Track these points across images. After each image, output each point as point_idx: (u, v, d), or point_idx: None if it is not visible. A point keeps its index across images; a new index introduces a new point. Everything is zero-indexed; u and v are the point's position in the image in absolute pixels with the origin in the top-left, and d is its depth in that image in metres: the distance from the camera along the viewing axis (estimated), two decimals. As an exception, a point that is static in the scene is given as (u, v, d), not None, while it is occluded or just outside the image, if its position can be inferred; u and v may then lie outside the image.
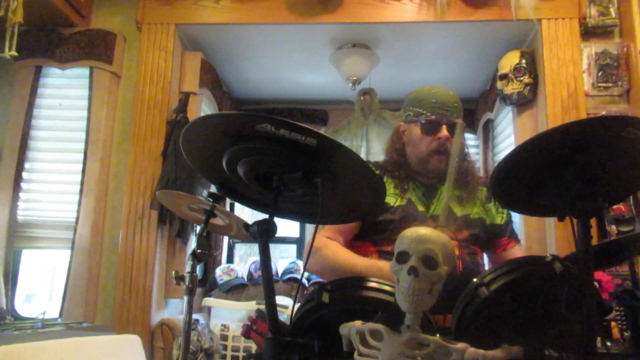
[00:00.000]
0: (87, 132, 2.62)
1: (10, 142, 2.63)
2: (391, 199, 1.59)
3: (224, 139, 0.94)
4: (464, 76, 3.27)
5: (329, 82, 3.39)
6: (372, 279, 1.04)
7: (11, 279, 2.55)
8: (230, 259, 3.77)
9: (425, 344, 0.84)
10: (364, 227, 1.58)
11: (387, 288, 0.99)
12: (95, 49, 2.68)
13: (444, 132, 1.58)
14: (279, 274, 3.26)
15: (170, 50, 2.68)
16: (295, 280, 3.16)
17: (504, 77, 2.64)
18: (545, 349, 0.95)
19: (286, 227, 3.84)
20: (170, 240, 2.64)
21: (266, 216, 0.98)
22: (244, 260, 3.89)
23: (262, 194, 1.03)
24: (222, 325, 2.82)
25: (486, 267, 1.69)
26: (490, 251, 1.67)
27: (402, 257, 0.88)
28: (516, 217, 1.78)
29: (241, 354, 2.75)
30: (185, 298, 1.53)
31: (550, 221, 2.40)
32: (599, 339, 0.88)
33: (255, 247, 2.85)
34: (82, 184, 2.57)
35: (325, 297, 0.99)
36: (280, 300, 2.79)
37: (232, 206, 3.55)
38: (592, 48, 2.52)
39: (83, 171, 2.59)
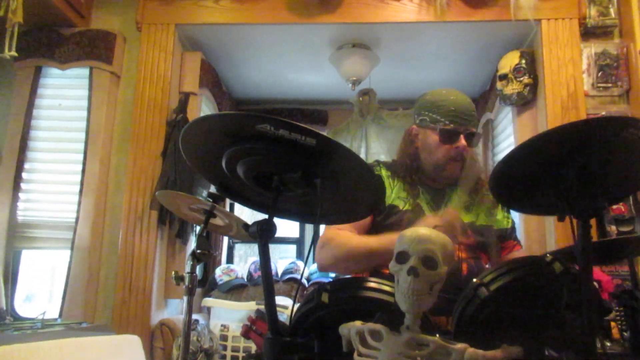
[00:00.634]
0: (87, 132, 2.62)
1: (10, 142, 2.63)
2: (400, 202, 1.58)
3: (223, 139, 0.94)
4: (464, 76, 3.27)
5: (329, 82, 3.39)
6: (372, 279, 1.04)
7: (11, 279, 2.55)
8: (230, 259, 3.77)
9: (425, 344, 0.83)
10: (371, 229, 1.58)
11: (387, 288, 0.99)
12: (95, 49, 2.68)
13: (462, 141, 1.57)
14: (279, 274, 3.26)
15: (170, 50, 2.68)
16: (295, 280, 3.16)
17: (504, 77, 2.64)
18: (545, 349, 0.95)
19: (286, 227, 3.84)
20: (170, 240, 2.64)
21: (266, 216, 0.98)
22: (243, 260, 3.89)
23: (261, 194, 1.03)
24: (221, 325, 2.82)
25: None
26: (496, 255, 1.66)
27: (402, 257, 0.88)
28: (516, 217, 1.78)
29: (241, 354, 2.75)
30: (185, 298, 1.53)
31: (550, 221, 2.40)
32: (599, 339, 0.88)
33: (255, 247, 2.85)
34: (82, 184, 2.57)
35: (325, 298, 0.99)
36: (280, 300, 2.79)
37: (232, 206, 3.55)
38: (592, 48, 2.52)
39: (83, 171, 2.59)
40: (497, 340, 0.84)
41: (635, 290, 1.22)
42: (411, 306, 0.85)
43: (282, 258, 3.70)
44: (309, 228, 3.82)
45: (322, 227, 1.69)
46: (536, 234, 2.47)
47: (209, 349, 2.40)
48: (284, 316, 1.09)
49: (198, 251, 1.53)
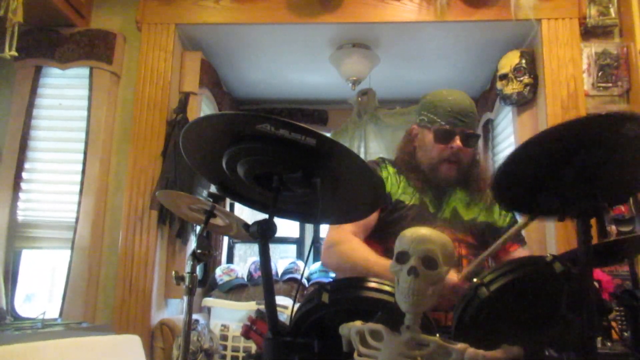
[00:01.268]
0: (87, 132, 2.63)
1: (10, 142, 2.64)
2: (406, 197, 1.59)
3: (223, 139, 0.94)
4: (464, 76, 3.27)
5: (329, 82, 3.39)
6: (372, 279, 1.04)
7: (11, 279, 2.55)
8: (230, 259, 3.77)
9: (425, 344, 0.83)
10: (378, 223, 1.58)
11: (387, 288, 0.99)
12: (95, 49, 2.68)
13: (457, 142, 1.57)
14: (279, 274, 3.26)
15: (170, 50, 2.68)
16: (295, 280, 3.16)
17: (504, 77, 2.64)
18: (545, 349, 0.95)
19: (286, 227, 3.84)
20: (170, 240, 2.64)
21: (266, 216, 0.98)
22: (243, 260, 3.89)
23: (261, 194, 1.03)
24: (222, 325, 2.82)
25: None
26: (496, 253, 1.67)
27: (402, 257, 0.88)
28: (516, 218, 1.78)
29: (241, 354, 2.75)
30: (185, 298, 1.53)
31: (551, 221, 2.40)
32: (599, 339, 0.88)
33: (255, 247, 2.86)
34: (82, 184, 2.57)
35: (325, 298, 0.98)
36: (280, 300, 2.79)
37: (232, 206, 3.55)
38: (592, 48, 2.52)
39: (83, 171, 2.59)
40: (497, 340, 0.84)
41: (635, 290, 1.22)
42: (411, 306, 0.85)
43: (282, 258, 3.70)
44: (309, 228, 3.82)
45: (323, 226, 1.69)
46: (536, 234, 2.47)
47: (209, 349, 2.40)
48: (284, 316, 1.08)
49: (198, 251, 1.53)
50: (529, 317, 0.96)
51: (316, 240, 3.67)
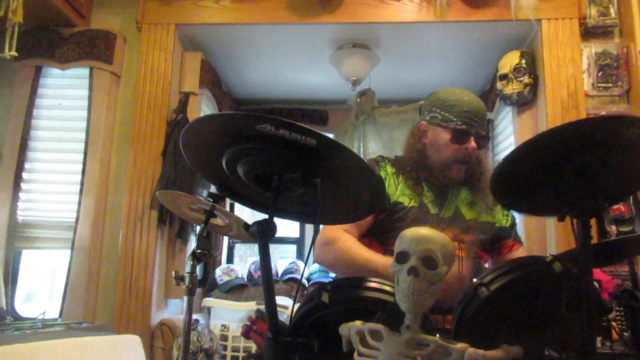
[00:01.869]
0: (87, 132, 2.62)
1: (10, 142, 2.63)
2: (405, 199, 1.58)
3: (223, 139, 0.94)
4: (464, 76, 3.27)
5: (329, 82, 3.39)
6: (372, 279, 1.04)
7: (11, 279, 2.54)
8: (230, 259, 3.77)
9: (425, 344, 0.84)
10: (375, 224, 1.57)
11: (387, 288, 0.99)
12: (95, 49, 2.68)
13: (472, 143, 1.56)
14: (279, 274, 3.26)
15: (170, 50, 2.68)
16: (295, 280, 3.16)
17: (504, 77, 2.64)
18: (545, 349, 0.95)
19: (286, 227, 3.84)
20: (170, 240, 2.64)
21: (266, 216, 0.98)
22: (243, 260, 3.89)
23: (261, 194, 1.03)
24: (222, 325, 2.82)
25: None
26: (495, 253, 1.67)
27: (402, 257, 0.88)
28: (516, 217, 1.79)
29: (241, 354, 2.75)
30: (185, 298, 1.53)
31: (550, 221, 2.40)
32: (599, 339, 0.88)
33: (255, 247, 2.85)
34: (82, 184, 2.57)
35: (325, 297, 0.98)
36: (280, 300, 2.79)
37: (232, 206, 3.55)
38: (592, 48, 2.52)
39: (83, 171, 2.59)
40: (497, 340, 0.84)
41: (635, 290, 1.22)
42: (411, 306, 0.85)
43: (282, 258, 3.70)
44: (309, 228, 3.82)
45: (322, 226, 1.69)
46: (536, 234, 2.48)
47: (209, 349, 2.40)
48: (284, 316, 1.09)
49: (198, 251, 1.53)
50: (529, 317, 0.96)
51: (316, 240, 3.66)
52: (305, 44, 2.96)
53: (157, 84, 2.65)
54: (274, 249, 3.91)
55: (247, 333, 1.71)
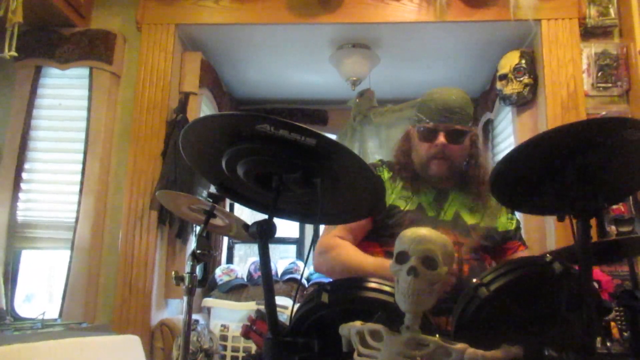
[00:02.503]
0: (87, 132, 2.62)
1: (10, 142, 2.63)
2: (401, 203, 1.58)
3: (223, 140, 0.94)
4: (464, 76, 3.27)
5: (329, 82, 3.39)
6: (372, 279, 1.04)
7: (11, 280, 2.54)
8: (230, 260, 3.77)
9: (425, 344, 0.84)
10: (373, 227, 1.58)
11: (387, 288, 0.99)
12: (95, 49, 2.67)
13: (441, 139, 1.56)
14: (279, 275, 3.26)
15: (170, 50, 2.68)
16: (295, 280, 3.16)
17: (504, 77, 2.64)
18: (545, 349, 0.95)
19: (286, 227, 3.84)
20: (170, 240, 2.64)
21: (266, 216, 0.98)
22: (243, 260, 3.89)
23: (261, 194, 1.03)
24: (221, 325, 2.82)
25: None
26: (500, 256, 1.66)
27: (402, 258, 0.88)
28: (518, 216, 1.78)
29: (241, 354, 2.75)
30: (185, 298, 1.53)
31: (550, 221, 2.40)
32: (599, 339, 0.88)
33: (255, 248, 2.85)
34: (82, 184, 2.57)
35: (325, 298, 0.99)
36: (280, 300, 2.79)
37: (231, 206, 3.55)
38: (592, 48, 2.52)
39: (83, 171, 2.59)
40: (497, 340, 0.84)
41: (635, 290, 1.22)
42: (411, 306, 0.85)
43: (282, 258, 3.70)
44: (309, 228, 3.82)
45: (322, 227, 1.69)
46: (536, 234, 2.47)
47: (209, 349, 2.40)
48: (284, 316, 1.09)
49: (198, 251, 1.54)
50: (529, 317, 0.96)
51: (316, 240, 3.66)
52: (305, 44, 2.96)
53: (157, 84, 2.65)
54: (274, 249, 3.91)
55: (247, 333, 1.71)
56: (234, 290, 3.06)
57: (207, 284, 3.23)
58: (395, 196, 1.59)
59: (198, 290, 3.09)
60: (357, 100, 3.29)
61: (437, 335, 0.85)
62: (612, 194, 1.02)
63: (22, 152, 2.63)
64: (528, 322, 0.96)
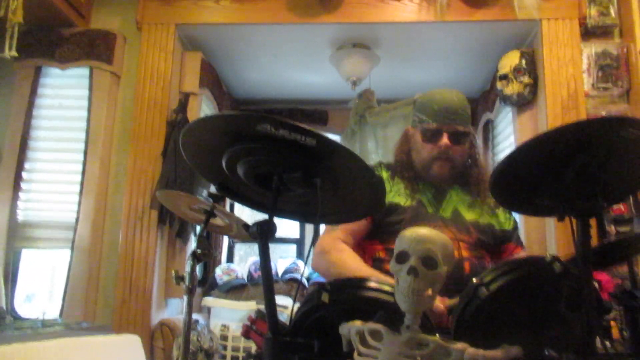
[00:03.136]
0: (87, 132, 2.62)
1: (10, 142, 2.63)
2: (401, 199, 1.59)
3: (223, 139, 0.94)
4: (464, 76, 3.27)
5: (329, 82, 3.39)
6: (372, 278, 1.04)
7: (11, 279, 2.54)
8: (230, 259, 3.77)
9: (425, 344, 0.84)
10: (373, 226, 1.58)
11: (387, 288, 0.99)
12: (95, 49, 2.67)
13: (445, 140, 1.57)
14: (279, 274, 3.26)
15: (170, 50, 2.68)
16: (295, 280, 3.16)
17: (504, 77, 2.64)
18: (545, 349, 0.95)
19: (286, 227, 3.84)
20: (170, 240, 2.64)
21: (266, 216, 0.98)
22: (244, 260, 3.89)
23: (261, 194, 1.03)
24: (222, 325, 2.82)
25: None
26: (497, 256, 1.67)
27: (402, 257, 0.88)
28: (516, 217, 1.78)
29: (241, 354, 2.75)
30: (185, 298, 1.53)
31: (550, 221, 2.40)
32: (598, 339, 0.88)
33: (255, 247, 2.85)
34: (82, 184, 2.57)
35: (325, 297, 0.99)
36: (280, 300, 2.79)
37: (232, 206, 3.55)
38: (592, 48, 2.52)
39: (83, 171, 2.59)
40: (497, 340, 0.84)
41: (635, 290, 1.22)
42: (411, 306, 0.85)
43: (282, 258, 3.70)
44: (309, 228, 3.82)
45: (323, 226, 1.70)
46: (536, 234, 2.47)
47: (209, 349, 2.40)
48: (284, 316, 1.09)
49: (198, 251, 1.53)
50: (529, 317, 0.96)
51: (316, 240, 3.66)
52: (305, 44, 2.96)
53: (157, 84, 2.65)
54: (274, 249, 3.91)
55: (247, 333, 1.71)
56: (234, 290, 3.06)
57: (207, 284, 3.23)
58: (394, 193, 1.60)
59: (198, 290, 3.09)
60: (356, 101, 3.29)
61: (437, 335, 0.85)
62: (612, 194, 1.02)
63: (22, 152, 2.63)
64: (528, 322, 0.96)
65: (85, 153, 2.60)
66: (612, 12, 2.53)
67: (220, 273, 3.17)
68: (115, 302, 2.46)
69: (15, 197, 2.60)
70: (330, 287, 1.01)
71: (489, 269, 1.01)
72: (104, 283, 2.53)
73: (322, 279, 3.09)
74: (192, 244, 2.69)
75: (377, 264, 1.52)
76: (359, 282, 1.04)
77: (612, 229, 2.29)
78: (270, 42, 2.93)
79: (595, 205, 0.88)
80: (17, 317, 2.44)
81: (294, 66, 3.26)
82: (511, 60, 2.64)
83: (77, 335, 1.82)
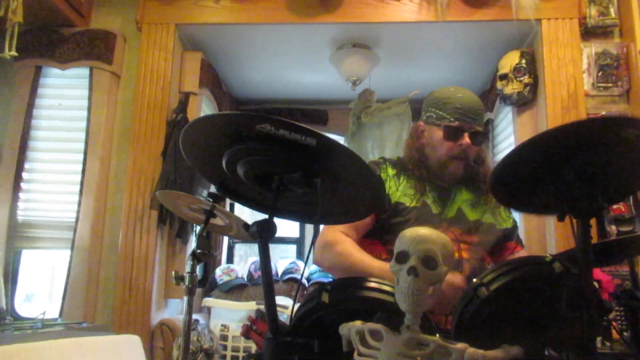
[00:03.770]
0: (87, 132, 2.62)
1: (10, 142, 2.63)
2: (407, 200, 1.58)
3: (223, 139, 0.94)
4: (464, 76, 3.27)
5: (329, 82, 3.39)
6: (372, 279, 1.04)
7: (11, 279, 2.54)
8: (230, 259, 3.77)
9: (425, 344, 0.84)
10: (376, 225, 1.57)
11: (387, 288, 0.99)
12: (95, 49, 2.68)
13: (466, 139, 1.56)
14: (279, 274, 3.26)
15: (170, 50, 2.68)
16: (295, 280, 3.16)
17: (504, 77, 2.64)
18: (545, 349, 0.95)
19: (286, 227, 3.84)
20: (170, 240, 2.64)
21: (266, 216, 0.98)
22: (243, 260, 3.89)
23: (261, 194, 1.03)
24: (222, 325, 2.82)
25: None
26: (497, 255, 1.66)
27: (402, 257, 0.88)
28: (516, 217, 1.78)
29: (241, 354, 2.75)
30: (185, 298, 1.53)
31: (550, 221, 2.40)
32: (599, 339, 0.88)
33: (255, 247, 2.85)
34: (82, 184, 2.57)
35: (325, 298, 0.99)
36: (280, 300, 2.79)
37: (232, 206, 3.55)
38: (592, 48, 2.52)
39: (83, 171, 2.59)
40: (497, 340, 0.84)
41: (635, 290, 1.22)
42: (411, 306, 0.85)
43: (282, 258, 3.70)
44: (309, 228, 3.82)
45: (322, 226, 1.69)
46: (536, 234, 2.47)
47: (209, 349, 2.40)
48: (284, 316, 1.09)
49: (198, 251, 1.53)
50: (529, 317, 0.96)
51: (316, 240, 3.66)
52: (305, 44, 2.96)
53: (157, 84, 2.65)
54: (274, 249, 3.91)
55: (247, 333, 1.71)
56: (234, 290, 3.07)
57: (207, 284, 3.23)
58: (400, 193, 1.59)
59: (198, 290, 3.09)
60: (356, 102, 3.29)
61: (437, 335, 0.85)
62: (612, 194, 1.02)
63: (22, 152, 2.63)
64: (528, 322, 0.96)
65: (85, 153, 2.60)
66: (612, 12, 2.53)
67: (220, 273, 3.17)
68: (115, 302, 2.46)
69: (15, 197, 2.60)
70: (330, 287, 1.01)
71: (489, 269, 1.00)
72: (104, 283, 2.53)
73: (322, 279, 3.11)
74: (192, 244, 2.69)
75: None
76: (359, 282, 1.04)
77: (612, 229, 2.29)
78: (270, 42, 2.93)
79: (595, 205, 0.88)
80: (17, 317, 2.44)
81: (294, 66, 3.26)
82: (511, 60, 2.64)
83: (77, 335, 1.82)
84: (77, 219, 2.54)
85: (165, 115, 2.63)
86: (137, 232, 2.50)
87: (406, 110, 3.11)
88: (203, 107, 3.00)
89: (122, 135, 2.67)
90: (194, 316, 2.55)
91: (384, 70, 3.13)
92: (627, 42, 2.50)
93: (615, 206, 2.27)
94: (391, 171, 1.64)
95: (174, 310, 2.73)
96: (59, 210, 2.63)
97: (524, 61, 2.61)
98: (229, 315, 2.88)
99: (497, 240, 1.62)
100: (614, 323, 1.53)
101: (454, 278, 1.31)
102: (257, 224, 0.96)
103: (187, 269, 1.54)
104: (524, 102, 2.62)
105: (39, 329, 2.03)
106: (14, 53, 2.29)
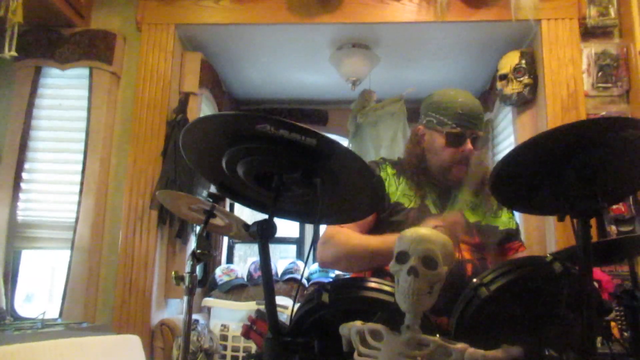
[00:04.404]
0: (87, 132, 2.62)
1: (10, 142, 2.63)
2: (405, 200, 1.57)
3: (223, 139, 0.94)
4: (463, 76, 3.27)
5: (329, 82, 3.39)
6: (372, 279, 1.04)
7: (11, 279, 2.54)
8: (230, 259, 3.77)
9: (425, 344, 0.84)
10: (376, 225, 1.57)
11: (387, 288, 0.99)
12: (95, 49, 2.67)
13: (468, 145, 1.55)
14: (279, 274, 3.26)
15: (170, 50, 2.68)
16: (295, 280, 3.16)
17: (504, 77, 2.64)
18: (545, 349, 0.95)
19: (286, 227, 3.84)
20: (170, 240, 2.64)
21: (266, 216, 0.98)
22: (243, 260, 3.89)
23: (261, 194, 1.03)
24: (222, 325, 2.82)
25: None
26: (500, 256, 1.66)
27: (402, 257, 0.88)
28: (516, 217, 1.78)
29: (241, 354, 2.75)
30: (185, 298, 1.53)
31: (550, 221, 2.40)
32: (599, 339, 0.88)
33: (255, 247, 2.85)
34: (82, 184, 2.57)
35: (325, 298, 0.98)
36: (280, 300, 2.79)
37: (232, 206, 3.55)
38: (592, 48, 2.52)
39: (83, 171, 2.59)
40: (497, 340, 0.84)
41: (635, 290, 1.22)
42: (411, 306, 0.85)
43: (282, 258, 3.71)
44: (309, 228, 3.82)
45: (323, 227, 1.68)
46: (536, 234, 2.47)
47: (209, 349, 2.40)
48: (284, 316, 1.09)
49: (198, 251, 1.54)
50: (529, 317, 0.96)
51: (316, 240, 3.66)
52: (305, 44, 2.97)
53: (157, 84, 2.65)
54: (274, 249, 3.91)
55: (247, 333, 1.71)
56: (234, 290, 3.07)
57: (207, 284, 3.23)
58: (400, 193, 1.58)
59: (198, 290, 3.09)
60: (356, 102, 3.30)
61: (437, 335, 0.85)
62: (612, 194, 1.02)
63: (22, 152, 2.63)
64: (528, 322, 0.96)
65: (85, 153, 2.60)
66: (612, 12, 2.53)
67: (220, 273, 3.17)
68: (115, 302, 2.46)
69: (15, 197, 2.60)
70: (330, 287, 1.01)
71: (489, 269, 1.00)
72: (104, 283, 2.53)
73: (322, 279, 3.11)
74: (192, 244, 2.69)
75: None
76: (359, 282, 1.04)
77: (612, 229, 2.30)
78: (270, 42, 2.93)
79: (595, 205, 0.88)
80: (17, 317, 2.44)
81: (294, 66, 3.26)
82: (511, 60, 2.64)
83: (77, 335, 1.82)
84: (77, 219, 2.54)
85: (165, 115, 2.63)
86: (137, 232, 2.50)
87: (401, 109, 3.10)
88: (203, 107, 3.00)
89: (122, 135, 2.67)
90: (194, 316, 2.55)
91: (384, 70, 3.13)
92: (626, 43, 2.50)
93: (615, 206, 2.27)
94: (391, 170, 1.64)
95: (174, 310, 2.73)
96: (59, 210, 2.63)
97: (523, 61, 2.61)
98: (229, 315, 2.88)
99: (500, 241, 1.62)
100: (613, 323, 1.53)
101: (453, 216, 1.41)
102: (257, 224, 0.96)
103: (187, 269, 1.54)
104: (523, 103, 2.62)
105: (39, 329, 2.03)
106: (13, 53, 2.29)
